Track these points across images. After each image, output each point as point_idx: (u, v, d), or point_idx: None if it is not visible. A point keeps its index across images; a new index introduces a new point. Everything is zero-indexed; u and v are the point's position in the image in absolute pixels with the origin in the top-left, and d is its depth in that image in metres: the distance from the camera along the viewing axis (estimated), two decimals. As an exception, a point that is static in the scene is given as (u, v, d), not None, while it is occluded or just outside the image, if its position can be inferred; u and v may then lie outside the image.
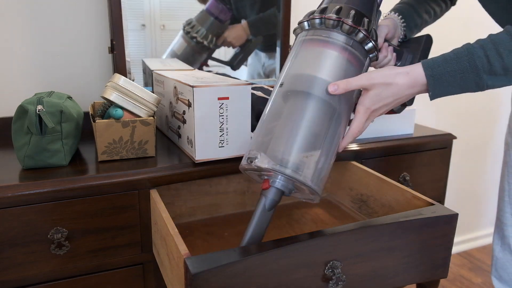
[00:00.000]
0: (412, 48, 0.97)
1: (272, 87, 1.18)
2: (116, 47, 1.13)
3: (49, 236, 0.78)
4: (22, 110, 0.83)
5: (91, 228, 0.82)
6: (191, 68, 1.16)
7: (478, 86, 0.67)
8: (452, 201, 2.01)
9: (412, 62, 0.95)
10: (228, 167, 0.91)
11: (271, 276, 0.62)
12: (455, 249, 2.09)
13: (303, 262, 0.65)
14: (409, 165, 1.16)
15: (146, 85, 1.23)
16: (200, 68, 1.30)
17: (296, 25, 0.78)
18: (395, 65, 0.95)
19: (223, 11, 1.26)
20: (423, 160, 1.18)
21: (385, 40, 0.94)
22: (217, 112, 0.86)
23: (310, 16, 0.74)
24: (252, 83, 0.98)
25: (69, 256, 0.81)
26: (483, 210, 2.14)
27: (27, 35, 1.13)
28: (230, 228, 0.93)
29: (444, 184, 1.25)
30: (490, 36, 0.67)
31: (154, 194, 0.83)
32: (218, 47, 1.31)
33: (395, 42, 0.97)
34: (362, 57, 0.73)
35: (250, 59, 1.39)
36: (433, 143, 1.18)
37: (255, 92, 1.03)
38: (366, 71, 0.75)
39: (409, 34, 0.99)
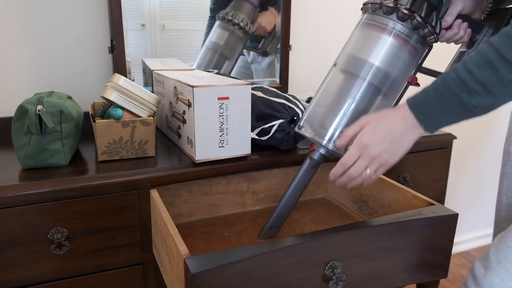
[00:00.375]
0: (497, 20, 0.88)
1: (273, 87, 1.18)
2: (116, 47, 1.13)
3: (49, 236, 0.78)
4: (22, 110, 0.83)
5: (91, 228, 0.82)
6: (191, 68, 1.16)
7: (465, 108, 0.65)
8: (452, 201, 2.01)
9: (493, 35, 0.87)
10: (228, 167, 0.91)
11: (271, 276, 0.63)
12: (455, 249, 2.09)
13: (303, 262, 0.65)
14: (409, 165, 1.16)
15: (146, 85, 1.23)
16: (238, 57, 1.33)
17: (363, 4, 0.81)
18: (474, 38, 0.88)
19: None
20: (423, 160, 1.18)
21: (460, 16, 0.86)
22: (217, 112, 0.86)
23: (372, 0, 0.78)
24: (252, 83, 0.98)
25: (69, 256, 0.81)
26: (483, 210, 2.14)
27: (27, 35, 1.13)
28: (230, 228, 0.93)
29: (444, 184, 1.25)
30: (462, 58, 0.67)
31: (154, 194, 0.83)
32: (253, 34, 1.33)
33: (477, 15, 0.89)
34: (417, 43, 0.76)
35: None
36: (433, 143, 1.18)
37: (255, 92, 1.03)
38: (423, 55, 0.80)
39: (497, 4, 0.88)
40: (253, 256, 0.60)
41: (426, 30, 0.75)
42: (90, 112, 1.01)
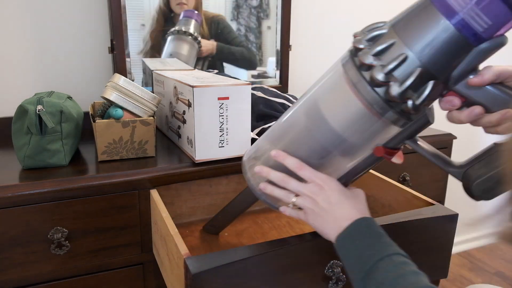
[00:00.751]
0: None
1: (273, 87, 1.18)
2: (116, 47, 1.13)
3: (49, 236, 0.78)
4: (22, 110, 0.83)
5: (91, 228, 0.82)
6: (191, 68, 1.16)
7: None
8: (452, 201, 2.01)
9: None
10: (228, 167, 0.91)
11: (271, 276, 0.62)
12: (455, 249, 2.09)
13: (303, 262, 0.65)
14: (409, 165, 1.16)
15: (146, 85, 1.23)
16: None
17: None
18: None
19: (199, 15, 1.29)
20: (423, 160, 1.17)
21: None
22: (217, 112, 0.86)
23: (357, 40, 0.56)
24: (252, 83, 0.98)
25: (69, 256, 0.81)
26: (483, 210, 2.14)
27: (27, 35, 1.13)
28: (230, 228, 0.93)
29: (444, 184, 1.25)
30: None
31: (154, 194, 0.83)
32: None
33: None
34: (382, 112, 0.55)
35: None
36: (433, 143, 1.18)
37: (255, 92, 1.03)
38: (405, 129, 0.61)
39: None
40: (253, 256, 0.60)
41: (405, 106, 0.53)
42: (90, 112, 1.01)
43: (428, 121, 0.61)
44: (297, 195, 0.64)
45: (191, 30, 1.27)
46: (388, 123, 0.57)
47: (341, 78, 0.57)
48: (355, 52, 0.55)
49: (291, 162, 0.63)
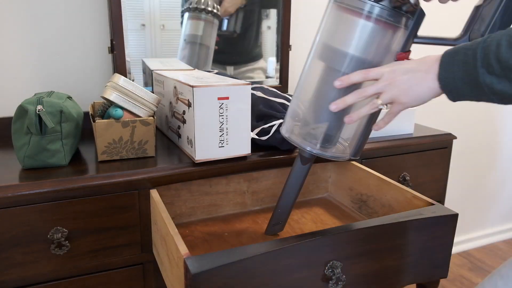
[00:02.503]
0: None
1: (273, 87, 1.18)
2: (116, 47, 1.13)
3: (49, 236, 0.78)
4: (22, 110, 0.83)
5: (91, 228, 0.82)
6: (191, 68, 1.16)
7: (478, 86, 0.58)
8: (452, 201, 2.01)
9: None
10: (228, 167, 0.91)
11: (271, 276, 0.62)
12: (455, 249, 2.09)
13: (303, 262, 0.65)
14: (409, 165, 1.16)
15: (146, 85, 1.23)
16: (215, 42, 1.31)
17: None
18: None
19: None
20: (423, 160, 1.18)
21: None
22: (217, 112, 0.86)
23: None
24: (252, 83, 0.98)
25: (69, 256, 0.81)
26: (483, 210, 2.14)
27: (27, 35, 1.13)
28: (230, 228, 0.93)
29: (444, 184, 1.25)
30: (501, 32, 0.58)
31: (154, 194, 0.83)
32: (221, 17, 1.31)
33: None
34: (399, 21, 0.67)
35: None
36: (433, 143, 1.18)
37: (255, 92, 1.03)
38: (411, 27, 0.69)
39: None
40: (253, 256, 0.60)
41: (405, 7, 0.65)
42: (90, 112, 1.01)
43: (423, 13, 0.70)
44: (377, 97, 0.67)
45: (205, 3, 1.22)
46: (397, 29, 0.67)
47: (343, 14, 0.68)
48: None
49: (356, 75, 0.66)
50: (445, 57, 0.61)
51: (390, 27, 0.67)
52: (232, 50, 1.37)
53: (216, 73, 1.13)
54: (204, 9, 1.25)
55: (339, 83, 0.67)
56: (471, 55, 0.58)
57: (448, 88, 0.61)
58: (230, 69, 1.38)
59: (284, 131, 0.77)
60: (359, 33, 0.67)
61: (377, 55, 0.68)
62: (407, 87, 0.64)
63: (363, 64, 0.68)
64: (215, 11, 1.26)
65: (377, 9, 0.65)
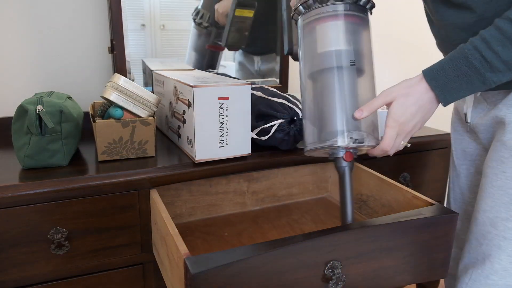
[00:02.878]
0: None
1: (273, 87, 1.18)
2: (116, 47, 1.13)
3: (49, 236, 0.78)
4: (22, 110, 0.83)
5: (91, 228, 0.82)
6: (191, 68, 1.16)
7: (485, 84, 0.69)
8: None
9: None
10: (228, 167, 0.91)
11: (271, 276, 0.62)
12: (455, 249, 2.08)
13: (303, 262, 0.65)
14: (409, 165, 1.16)
15: (146, 85, 1.23)
16: (207, 52, 1.33)
17: (293, 11, 0.82)
18: None
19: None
20: (423, 160, 1.18)
21: None
22: (217, 112, 0.86)
23: (301, 1, 0.78)
24: (252, 83, 0.98)
25: (69, 256, 0.81)
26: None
27: (27, 35, 1.13)
28: (230, 228, 0.93)
29: (444, 184, 1.25)
30: (481, 34, 0.68)
31: (154, 194, 0.83)
32: (218, 28, 1.32)
33: None
34: (362, 13, 0.77)
35: (239, 63, 1.39)
36: (433, 143, 1.18)
37: (255, 92, 1.03)
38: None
39: None
40: (253, 256, 0.60)
41: (364, 1, 0.75)
42: (90, 112, 1.01)
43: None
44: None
45: (200, 17, 1.27)
46: (363, 19, 0.77)
47: (315, 25, 0.77)
48: (310, 4, 0.76)
49: (366, 111, 0.74)
50: (439, 88, 0.71)
51: (355, 18, 0.76)
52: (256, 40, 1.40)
53: (216, 73, 1.13)
54: (197, 22, 1.29)
55: (359, 113, 0.73)
56: (467, 67, 0.68)
57: (452, 101, 0.72)
58: (257, 59, 1.41)
59: (309, 148, 0.79)
60: (336, 32, 0.76)
61: (354, 43, 0.76)
62: (420, 124, 0.75)
63: (348, 53, 0.75)
64: (202, 22, 1.30)
65: (339, 6, 0.75)
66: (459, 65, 0.69)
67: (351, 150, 0.76)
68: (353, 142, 0.74)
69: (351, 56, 0.75)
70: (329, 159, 0.79)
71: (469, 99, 0.88)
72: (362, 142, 0.75)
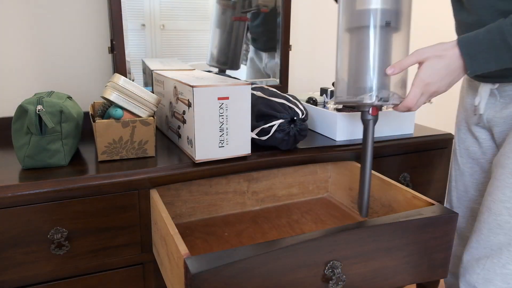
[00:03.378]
0: None
1: (273, 87, 1.18)
2: (116, 47, 1.13)
3: (49, 236, 0.78)
4: (22, 110, 0.83)
5: (91, 228, 0.82)
6: (191, 68, 1.16)
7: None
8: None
9: None
10: (228, 167, 0.91)
11: (271, 276, 0.62)
12: (455, 249, 2.08)
13: (303, 262, 0.65)
14: (409, 165, 1.16)
15: (146, 85, 1.23)
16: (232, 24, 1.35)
17: None
18: None
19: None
20: (423, 160, 1.18)
21: None
22: (217, 112, 0.86)
23: None
24: (252, 83, 0.98)
25: (69, 256, 0.81)
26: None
27: (27, 35, 1.13)
28: (230, 228, 0.93)
29: (444, 184, 1.25)
30: None
31: (154, 194, 0.83)
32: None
33: None
34: None
35: (250, 59, 1.39)
36: (433, 143, 1.18)
37: (255, 92, 1.03)
38: None
39: None
40: (253, 256, 0.60)
41: None
42: (90, 112, 1.01)
43: None
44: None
45: None
46: None
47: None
48: None
49: (398, 68, 0.77)
50: (470, 57, 0.73)
51: None
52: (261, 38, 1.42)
53: (216, 73, 1.13)
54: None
55: (391, 70, 0.76)
56: (501, 42, 0.70)
57: (477, 72, 0.74)
58: (264, 55, 1.43)
59: (339, 99, 0.84)
60: None
61: (392, 2, 0.78)
62: (446, 86, 0.77)
63: (385, 13, 0.77)
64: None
65: None
66: (493, 38, 0.70)
67: (377, 106, 0.81)
68: (378, 101, 0.78)
69: (387, 16, 0.77)
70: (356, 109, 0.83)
71: (484, 90, 0.89)
72: (387, 101, 0.79)
